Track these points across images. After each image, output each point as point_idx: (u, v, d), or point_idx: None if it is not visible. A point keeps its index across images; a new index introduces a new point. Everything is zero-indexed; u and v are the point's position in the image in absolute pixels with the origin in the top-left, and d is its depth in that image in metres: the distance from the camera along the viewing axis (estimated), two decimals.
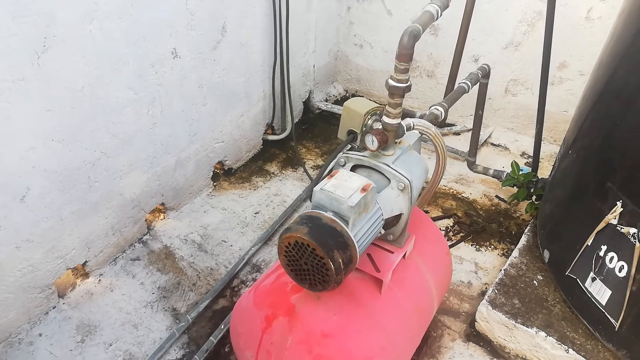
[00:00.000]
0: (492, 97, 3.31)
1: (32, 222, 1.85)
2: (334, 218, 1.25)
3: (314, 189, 1.30)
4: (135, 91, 2.08)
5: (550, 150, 3.21)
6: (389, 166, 1.43)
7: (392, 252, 1.54)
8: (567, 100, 3.06)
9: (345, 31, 3.62)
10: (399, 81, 1.32)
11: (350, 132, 1.51)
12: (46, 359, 1.90)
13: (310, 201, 1.33)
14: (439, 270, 1.76)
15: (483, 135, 3.33)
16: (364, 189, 1.29)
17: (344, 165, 1.49)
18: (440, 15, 1.44)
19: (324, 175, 1.42)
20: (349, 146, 1.55)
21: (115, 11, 1.88)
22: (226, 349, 1.97)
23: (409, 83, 1.33)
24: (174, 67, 2.23)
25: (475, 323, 2.05)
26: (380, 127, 1.43)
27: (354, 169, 1.49)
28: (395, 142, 1.51)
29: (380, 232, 1.44)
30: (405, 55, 1.28)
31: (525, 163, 3.15)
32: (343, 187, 1.29)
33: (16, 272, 1.87)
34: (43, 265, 1.96)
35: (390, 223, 1.50)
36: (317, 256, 1.21)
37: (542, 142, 3.16)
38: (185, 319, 2.04)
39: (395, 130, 1.42)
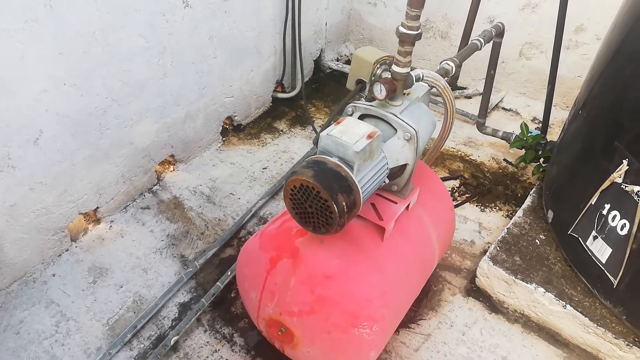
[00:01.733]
0: (505, 61, 3.26)
1: (45, 165, 1.89)
2: (339, 163, 1.27)
3: (321, 134, 1.31)
4: (146, 39, 2.09)
5: (562, 116, 3.18)
6: (396, 116, 1.43)
7: (396, 203, 1.57)
8: (582, 65, 3.01)
9: None
10: (409, 28, 1.32)
11: (359, 81, 1.51)
12: (59, 297, 1.99)
13: (316, 146, 1.35)
14: (442, 224, 1.78)
15: (494, 99, 3.30)
16: (369, 136, 1.31)
17: (351, 114, 1.50)
18: None
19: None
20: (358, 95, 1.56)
21: None
22: (232, 294, 2.03)
23: (419, 31, 1.33)
24: (184, 17, 2.22)
25: (476, 279, 2.09)
26: (389, 76, 1.43)
27: (361, 118, 1.50)
28: (404, 94, 1.51)
29: (384, 181, 1.46)
30: (417, 0, 1.27)
31: (535, 128, 3.12)
32: (349, 133, 1.30)
33: (30, 214, 1.92)
34: (56, 208, 2.02)
35: (395, 173, 1.52)
36: (321, 199, 1.24)
37: (554, 107, 3.13)
38: (193, 264, 2.10)
39: (404, 80, 1.42)
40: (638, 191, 1.59)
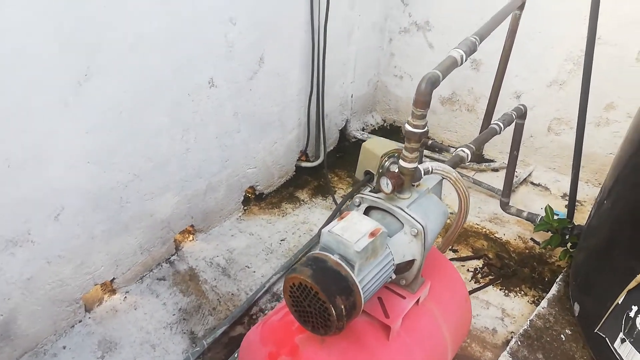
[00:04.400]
0: (533, 135, 3.21)
1: (64, 239, 1.94)
2: (340, 262, 1.24)
3: (322, 230, 1.30)
4: (171, 118, 2.17)
5: (594, 193, 3.06)
6: (403, 210, 1.40)
7: (404, 298, 1.51)
8: (613, 143, 2.92)
9: (385, 62, 3.64)
10: (415, 127, 1.31)
11: (367, 173, 1.50)
12: None
13: (319, 242, 1.33)
14: (456, 319, 1.70)
15: (523, 174, 3.23)
16: (372, 234, 1.28)
17: (358, 206, 1.48)
18: (466, 60, 1.43)
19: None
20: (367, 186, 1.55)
21: (158, 42, 1.98)
22: None
23: (425, 129, 1.32)
24: (210, 96, 2.31)
25: None
26: (397, 169, 1.42)
27: (368, 209, 1.48)
28: (413, 185, 1.49)
29: (390, 277, 1.41)
30: (422, 102, 1.28)
31: (565, 205, 3.01)
32: (351, 230, 1.28)
33: (46, 286, 1.96)
34: (72, 280, 2.05)
35: (403, 268, 1.47)
36: (319, 300, 1.21)
37: (587, 184, 3.03)
38: (201, 343, 2.06)
39: (412, 175, 1.40)
40: None
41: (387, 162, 1.47)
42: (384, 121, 3.90)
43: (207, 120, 2.37)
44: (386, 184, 1.39)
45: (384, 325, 1.44)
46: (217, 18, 2.20)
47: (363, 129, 3.72)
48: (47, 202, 1.83)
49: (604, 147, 2.97)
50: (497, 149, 3.40)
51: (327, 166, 3.15)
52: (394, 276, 1.44)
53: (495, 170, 3.37)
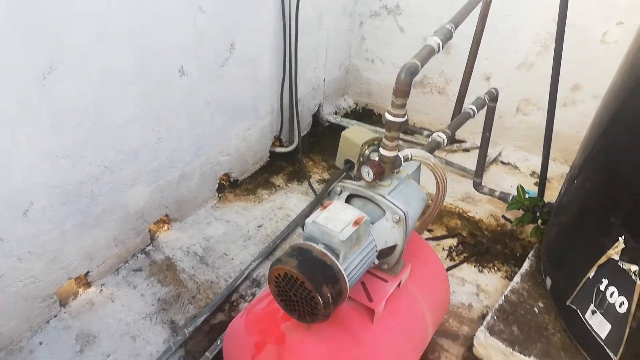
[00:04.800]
0: (503, 116, 3.27)
1: (34, 235, 1.88)
2: (325, 251, 1.25)
3: (306, 220, 1.30)
4: (141, 108, 2.11)
5: (561, 170, 3.16)
6: (384, 197, 1.42)
7: (387, 281, 1.54)
8: (580, 122, 3.01)
9: (357, 46, 3.62)
10: (395, 115, 1.32)
11: (348, 162, 1.50)
12: None
13: (303, 231, 1.33)
14: (436, 298, 1.74)
15: (493, 153, 3.30)
16: (356, 223, 1.29)
17: (340, 194, 1.49)
18: (442, 47, 1.44)
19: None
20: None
21: (124, 32, 1.90)
22: None
23: (405, 118, 1.33)
24: (180, 85, 2.25)
25: (473, 348, 2.03)
26: (377, 158, 1.43)
27: (350, 197, 1.49)
28: (393, 172, 1.50)
29: (373, 263, 1.43)
30: (402, 91, 1.28)
31: (535, 183, 3.11)
32: (335, 220, 1.29)
33: (18, 283, 1.90)
34: (45, 276, 2.00)
35: (385, 253, 1.49)
36: (305, 289, 1.21)
37: (553, 162, 3.12)
38: (182, 332, 2.05)
39: (392, 162, 1.42)
40: (635, 271, 1.55)
41: (367, 151, 1.47)
42: (356, 104, 3.90)
43: (178, 110, 2.31)
44: (367, 173, 1.40)
45: (368, 309, 1.47)
46: (185, 5, 2.13)
47: (336, 113, 3.72)
48: (14, 198, 1.76)
49: (571, 126, 3.06)
50: (468, 129, 3.44)
51: (302, 151, 3.14)
52: (376, 262, 1.46)
53: (467, 150, 3.44)
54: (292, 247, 1.28)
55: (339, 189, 1.48)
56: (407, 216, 1.42)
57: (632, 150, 1.62)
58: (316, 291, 1.19)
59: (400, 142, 1.49)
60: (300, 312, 1.28)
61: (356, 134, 1.47)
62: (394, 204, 1.40)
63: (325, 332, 1.40)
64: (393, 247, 1.48)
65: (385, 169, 1.40)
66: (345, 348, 1.39)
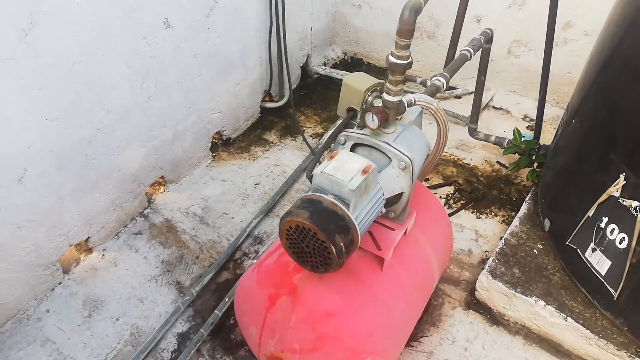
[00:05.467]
0: (494, 59, 3.22)
1: (32, 202, 1.84)
2: (335, 201, 1.24)
3: (314, 172, 1.28)
4: (129, 65, 2.03)
5: (553, 113, 3.16)
6: (390, 145, 1.40)
7: (394, 229, 1.54)
8: (571, 62, 2.98)
9: None
10: (399, 58, 1.28)
11: (350, 109, 1.47)
12: (55, 334, 1.95)
13: (310, 183, 1.32)
14: (440, 244, 1.76)
15: (484, 99, 3.27)
16: (364, 171, 1.28)
17: (344, 144, 1.47)
18: None
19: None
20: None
21: None
22: (231, 321, 2.00)
23: (410, 59, 1.29)
24: (166, 38, 2.17)
25: (476, 292, 2.08)
26: (381, 104, 1.40)
27: (354, 147, 1.47)
28: (396, 119, 1.48)
29: (381, 211, 1.43)
30: (406, 31, 1.24)
31: (527, 127, 3.10)
32: (343, 169, 1.27)
33: (19, 252, 1.88)
34: (46, 243, 1.97)
35: (392, 201, 1.49)
36: (318, 240, 1.21)
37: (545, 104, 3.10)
38: (189, 292, 2.06)
39: (396, 108, 1.39)
40: (636, 206, 1.57)
41: (370, 97, 1.44)
42: (345, 54, 3.81)
43: (166, 65, 2.23)
44: (372, 120, 1.37)
45: (376, 257, 1.48)
46: None
47: (324, 64, 3.63)
48: (7, 164, 1.71)
49: (562, 67, 3.03)
50: (459, 75, 3.40)
51: (293, 105, 3.08)
52: (384, 210, 1.46)
53: (458, 97, 3.41)
54: (301, 199, 1.27)
55: (342, 138, 1.46)
56: (413, 162, 1.41)
57: (631, 87, 1.61)
58: (329, 241, 1.19)
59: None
60: (313, 263, 1.28)
61: (358, 80, 1.43)
62: (400, 151, 1.39)
63: (337, 281, 1.41)
64: (399, 195, 1.48)
65: (389, 115, 1.38)
66: (357, 295, 1.41)
